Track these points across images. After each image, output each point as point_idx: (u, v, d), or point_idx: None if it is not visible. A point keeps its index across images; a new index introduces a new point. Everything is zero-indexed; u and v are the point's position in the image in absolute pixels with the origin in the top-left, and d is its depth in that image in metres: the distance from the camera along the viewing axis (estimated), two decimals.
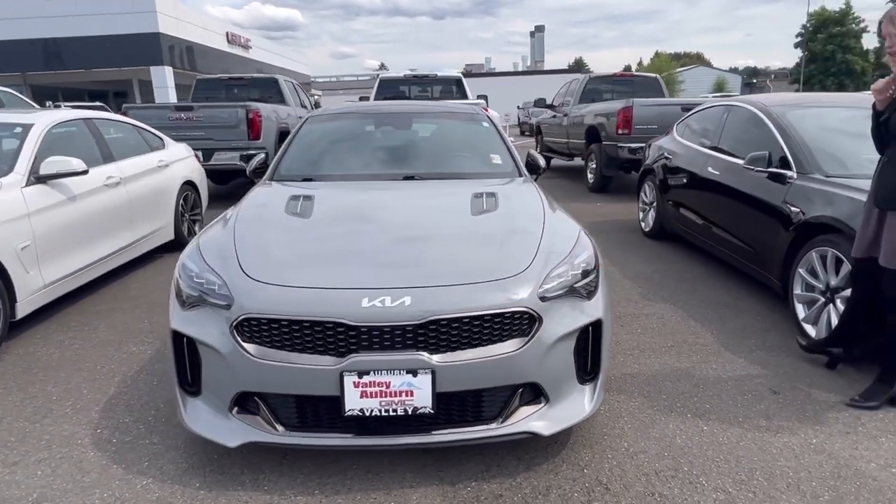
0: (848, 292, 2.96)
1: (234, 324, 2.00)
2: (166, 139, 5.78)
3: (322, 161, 3.50)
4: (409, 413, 1.98)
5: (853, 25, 39.96)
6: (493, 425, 2.07)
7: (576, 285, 2.18)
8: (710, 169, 4.67)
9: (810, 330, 3.28)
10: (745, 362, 3.11)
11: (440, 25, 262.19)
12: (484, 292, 2.03)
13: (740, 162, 4.16)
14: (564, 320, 2.11)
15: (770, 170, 3.79)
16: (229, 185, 9.20)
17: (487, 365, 1.98)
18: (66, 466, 2.26)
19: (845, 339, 2.96)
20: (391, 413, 1.97)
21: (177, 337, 2.14)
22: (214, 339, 2.03)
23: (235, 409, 2.09)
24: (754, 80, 54.83)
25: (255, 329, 2.00)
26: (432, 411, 1.98)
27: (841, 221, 3.06)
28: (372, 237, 2.38)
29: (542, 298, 2.07)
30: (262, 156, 3.58)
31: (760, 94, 5.47)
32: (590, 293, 2.23)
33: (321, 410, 2.03)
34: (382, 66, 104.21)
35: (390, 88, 9.79)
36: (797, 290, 3.41)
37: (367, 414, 1.97)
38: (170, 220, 5.39)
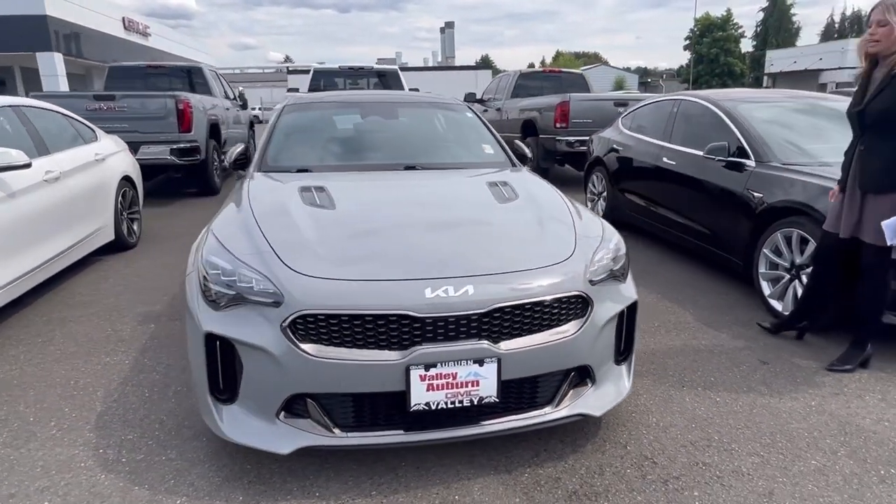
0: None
1: (287, 322, 1.87)
2: (98, 131, 5.27)
3: (313, 151, 3.34)
4: (475, 403, 1.95)
5: (733, 31, 43.85)
6: (548, 409, 2.09)
7: (614, 268, 2.24)
8: (665, 159, 4.95)
9: (777, 305, 3.59)
10: (728, 336, 3.35)
11: (346, 19, 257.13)
12: (541, 278, 2.04)
13: (698, 153, 4.45)
14: (609, 303, 2.18)
15: (730, 159, 4.09)
16: (155, 181, 8.52)
17: (548, 350, 2.00)
18: (78, 493, 2.02)
19: (810, 312, 3.27)
20: (457, 405, 1.94)
21: (211, 340, 1.97)
22: (262, 340, 1.88)
23: (282, 413, 1.96)
24: (648, 80, 58.63)
25: (310, 326, 1.88)
26: (497, 400, 1.97)
27: (807, 205, 3.37)
28: (411, 228, 2.31)
29: (591, 282, 2.12)
30: (242, 147, 3.35)
31: (704, 90, 5.87)
32: (623, 275, 2.31)
33: (382, 408, 1.95)
34: (288, 59, 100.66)
35: (325, 80, 9.50)
36: (762, 269, 3.72)
37: (433, 407, 1.92)
38: (109, 219, 4.92)
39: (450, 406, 1.93)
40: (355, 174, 3.00)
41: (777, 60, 51.71)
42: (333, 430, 1.94)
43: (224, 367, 2.00)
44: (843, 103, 4.68)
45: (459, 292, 1.91)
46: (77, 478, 2.10)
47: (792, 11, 58.39)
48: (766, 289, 3.69)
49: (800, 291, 3.41)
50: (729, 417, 2.49)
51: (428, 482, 2.06)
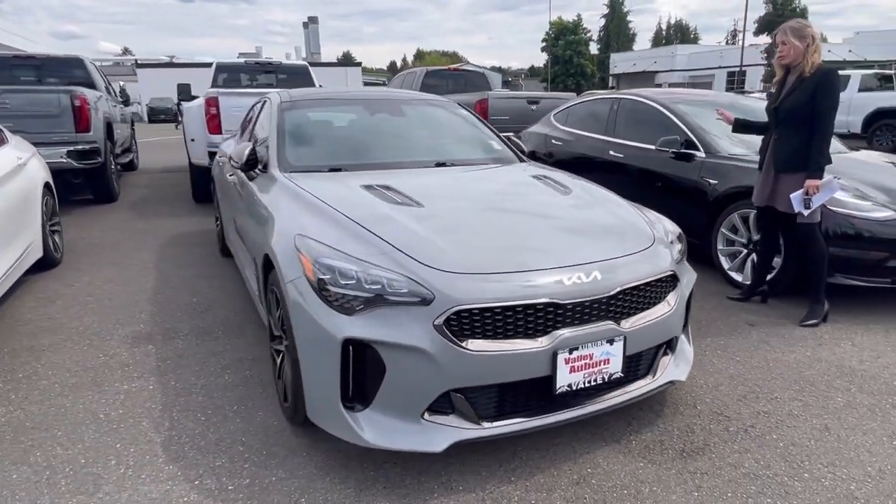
0: None
1: (442, 319, 1.86)
2: (6, 131, 4.52)
3: (337, 150, 3.21)
4: (606, 380, 2.10)
5: (583, 35, 47.84)
6: (648, 379, 2.30)
7: (682, 248, 2.51)
8: (611, 153, 5.42)
9: (737, 276, 4.16)
10: (711, 307, 3.82)
11: (188, 9, 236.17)
12: (645, 260, 2.23)
13: (649, 146, 4.94)
14: (685, 279, 2.44)
15: (682, 151, 4.62)
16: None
17: (657, 325, 2.20)
18: None
19: (765, 278, 3.86)
20: (593, 383, 2.07)
21: (350, 346, 1.90)
22: (414, 339, 1.86)
23: (426, 412, 1.95)
24: (510, 79, 61.93)
25: (464, 321, 1.90)
26: (622, 375, 2.13)
27: None
28: (510, 221, 2.37)
29: (676, 261, 2.36)
30: (251, 146, 3.13)
31: (641, 89, 6.45)
32: (684, 254, 2.58)
33: (525, 394, 2.02)
34: (127, 51, 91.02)
35: (229, 76, 8.85)
36: (720, 247, 4.27)
37: (574, 388, 2.04)
38: (38, 233, 4.27)
39: (586, 385, 2.06)
40: (392, 172, 2.97)
41: (619, 63, 57.33)
42: (481, 422, 1.97)
43: (358, 372, 1.94)
44: (756, 101, 5.50)
45: (590, 278, 2.04)
46: None
47: (628, 18, 65.05)
48: (726, 263, 4.26)
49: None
50: (756, 372, 2.89)
51: (553, 461, 2.17)
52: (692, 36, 77.13)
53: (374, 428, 1.94)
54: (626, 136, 5.39)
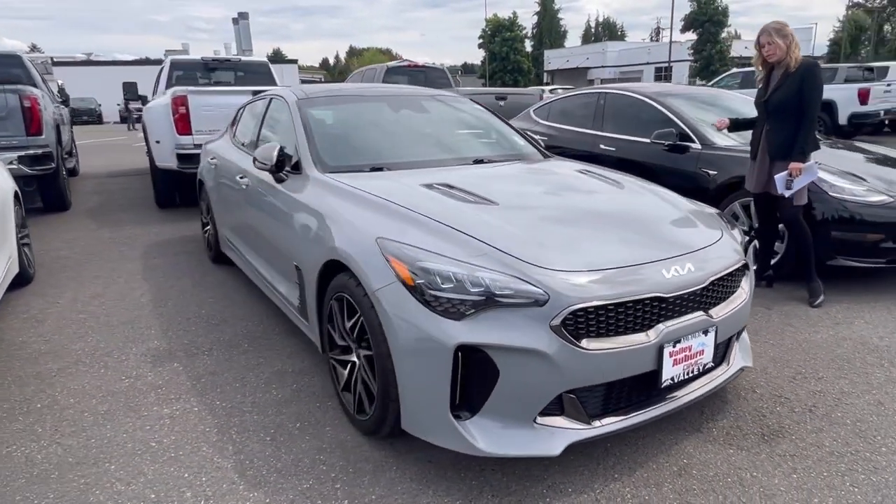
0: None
1: (559, 319, 1.81)
2: None
3: (372, 149, 3.07)
4: (700, 371, 2.12)
5: (519, 31, 48.65)
6: (724, 367, 2.34)
7: (735, 235, 2.57)
8: (602, 146, 5.52)
9: None
10: None
11: (102, 4, 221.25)
12: (724, 248, 2.27)
13: (642, 139, 5.06)
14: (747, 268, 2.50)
15: (678, 143, 4.76)
16: None
17: (739, 312, 2.25)
18: None
19: (769, 265, 4.06)
20: (690, 375, 2.08)
21: (464, 352, 1.81)
22: (531, 342, 1.80)
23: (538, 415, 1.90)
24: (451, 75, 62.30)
25: (579, 320, 1.85)
26: (713, 364, 2.16)
27: None
28: (585, 216, 2.33)
29: (744, 251, 2.42)
30: (278, 146, 2.93)
31: (629, 83, 6.58)
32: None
33: (630, 389, 2.00)
34: (35, 48, 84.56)
35: (185, 72, 8.36)
36: None
37: (676, 381, 2.04)
38: (14, 247, 3.87)
39: (685, 377, 2.07)
40: (437, 170, 2.87)
41: (553, 59, 58.79)
42: (592, 421, 1.94)
43: (467, 379, 1.86)
44: (736, 96, 5.75)
45: (685, 270, 2.05)
46: None
47: (559, 16, 66.67)
48: None
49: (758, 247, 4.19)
50: (793, 353, 3.01)
51: (647, 455, 2.17)
52: (619, 33, 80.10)
53: (486, 435, 1.87)
54: (615, 129, 5.50)
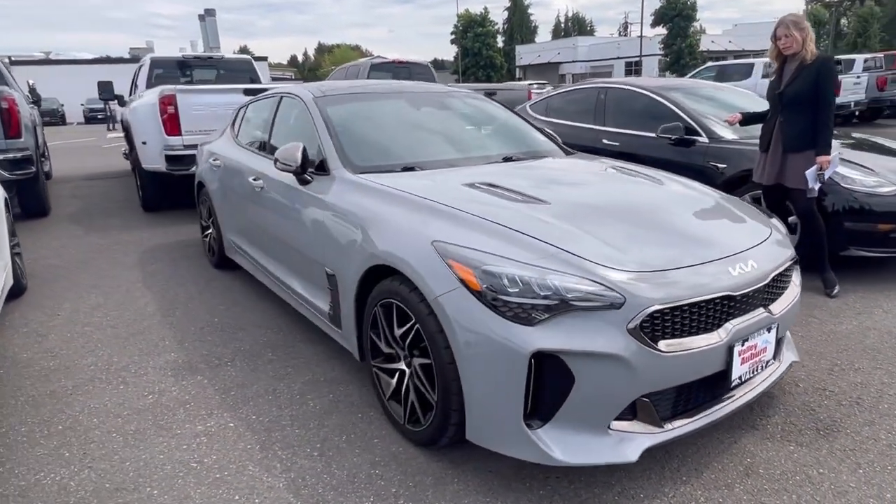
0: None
1: (636, 322, 1.75)
2: None
3: (400, 147, 2.96)
4: (763, 368, 2.09)
5: (491, 27, 48.65)
6: (777, 363, 2.32)
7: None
8: (605, 141, 5.50)
9: None
10: None
11: (61, 2, 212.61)
12: (777, 244, 2.25)
13: (648, 134, 5.06)
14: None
15: (685, 137, 4.77)
16: None
17: (793, 307, 2.23)
18: None
19: None
20: (755, 373, 2.06)
21: (537, 359, 1.74)
22: (608, 346, 1.74)
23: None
24: None
25: (655, 322, 1.80)
26: (773, 361, 2.13)
27: None
28: (642, 214, 2.28)
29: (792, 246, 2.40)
30: (302, 146, 2.80)
31: (628, 77, 6.57)
32: None
33: (699, 390, 1.96)
34: None
35: (165, 71, 8.06)
36: None
37: (742, 380, 2.01)
38: (7, 257, 3.65)
39: (749, 375, 2.04)
40: (470, 169, 2.79)
41: (525, 54, 59.06)
42: (663, 424, 1.89)
43: (540, 386, 1.79)
44: (735, 90, 5.80)
45: (749, 267, 2.01)
46: None
47: (529, 11, 66.99)
48: None
49: None
50: (824, 346, 3.03)
51: (710, 456, 2.13)
52: (589, 28, 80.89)
53: (561, 444, 1.80)
54: (618, 124, 5.49)
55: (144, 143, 6.26)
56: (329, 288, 2.66)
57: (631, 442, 1.84)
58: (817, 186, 3.62)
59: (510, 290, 1.79)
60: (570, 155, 3.37)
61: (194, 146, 5.97)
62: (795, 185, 3.71)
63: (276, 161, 2.84)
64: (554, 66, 54.56)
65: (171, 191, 6.72)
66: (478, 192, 2.37)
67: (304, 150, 2.79)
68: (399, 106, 3.36)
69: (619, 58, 49.22)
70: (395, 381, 2.27)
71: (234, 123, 4.42)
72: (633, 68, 45.80)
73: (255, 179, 3.41)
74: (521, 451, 1.84)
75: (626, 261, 1.88)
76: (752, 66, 15.25)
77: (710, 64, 17.62)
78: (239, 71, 8.74)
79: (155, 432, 2.36)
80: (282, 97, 3.59)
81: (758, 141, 4.41)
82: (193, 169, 6.00)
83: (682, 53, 39.54)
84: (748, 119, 4.15)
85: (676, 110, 4.97)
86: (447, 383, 1.94)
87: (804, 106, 3.63)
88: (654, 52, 43.47)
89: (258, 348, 3.12)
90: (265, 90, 4.91)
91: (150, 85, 7.70)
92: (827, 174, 3.61)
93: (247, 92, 6.21)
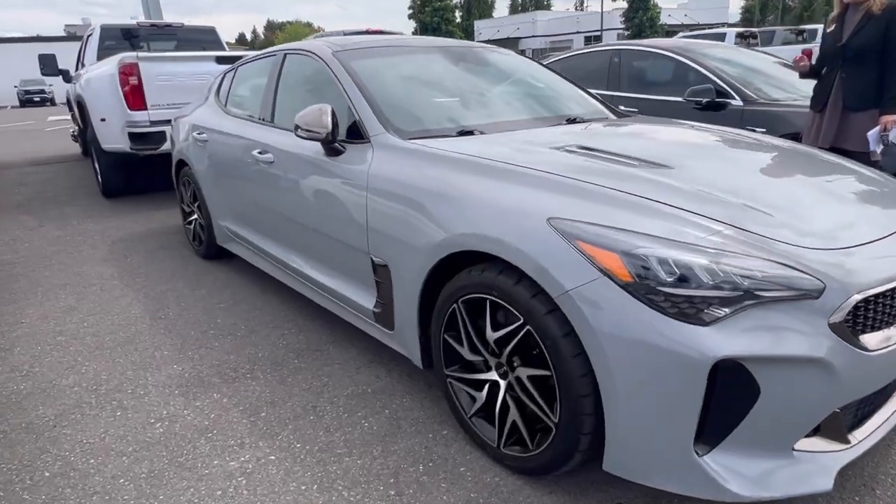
0: None
1: (842, 315, 1.35)
2: None
3: (449, 108, 2.46)
4: None
5: (449, 1, 47.64)
6: None
7: None
8: (622, 107, 5.09)
9: None
10: None
11: None
12: None
13: (673, 98, 4.68)
14: None
15: (716, 101, 4.41)
16: None
17: None
18: None
19: None
20: None
21: (723, 369, 1.32)
22: (808, 347, 1.33)
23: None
24: None
25: (858, 313, 1.40)
26: None
27: None
28: (778, 181, 1.87)
29: None
30: (330, 107, 2.28)
31: (644, 39, 6.17)
32: None
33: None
34: None
35: (117, 43, 7.19)
36: None
37: None
38: None
39: None
40: (537, 131, 2.32)
41: (484, 29, 58.28)
42: (848, 437, 1.51)
43: (713, 402, 1.38)
44: (746, 52, 5.49)
45: None
46: None
47: None
48: None
49: None
50: None
51: (874, 465, 1.79)
52: (546, 3, 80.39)
53: (735, 475, 1.40)
54: (636, 88, 5.11)
55: (103, 119, 5.51)
56: (378, 281, 2.17)
57: (820, 464, 1.45)
58: (880, 149, 3.33)
59: (672, 279, 1.36)
60: (625, 117, 2.94)
61: (161, 122, 5.30)
62: (856, 147, 3.37)
63: (296, 128, 2.30)
64: (514, 42, 54.00)
65: (135, 173, 6.00)
66: (577, 157, 1.90)
67: (334, 112, 2.27)
68: (433, 61, 2.84)
69: (578, 32, 49.11)
70: (484, 394, 1.83)
71: (218, 91, 3.80)
72: (592, 43, 45.73)
73: (260, 153, 2.85)
74: (687, 485, 1.43)
75: (809, 236, 1.48)
76: (724, 35, 15.22)
77: (681, 35, 17.49)
78: (201, 42, 7.93)
79: (175, 473, 1.85)
80: (286, 55, 3.02)
81: (798, 103, 4.12)
82: (162, 147, 5.38)
83: (643, 27, 39.60)
84: (804, 74, 3.78)
85: (705, 72, 4.61)
86: (576, 401, 1.51)
87: (870, 60, 3.29)
88: (614, 27, 43.46)
89: (280, 354, 2.61)
90: (239, 58, 4.30)
91: (100, 57, 6.86)
92: (892, 136, 3.31)
93: (219, 60, 5.55)
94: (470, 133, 2.27)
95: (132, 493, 1.77)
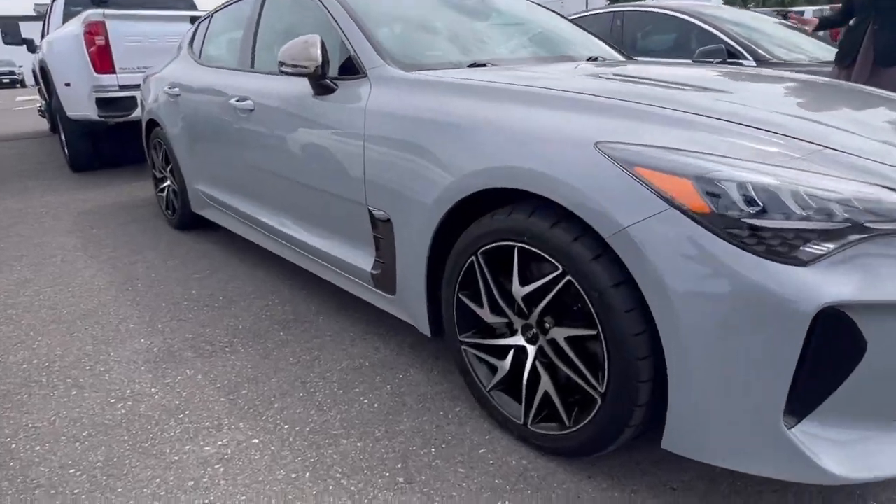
0: None
1: None
2: None
3: (459, 42, 2.15)
4: None
5: None
6: None
7: None
8: None
9: None
10: None
11: None
12: None
13: (677, 60, 4.42)
14: None
15: (728, 60, 4.15)
16: None
17: None
18: None
19: None
20: None
21: (823, 319, 1.06)
22: None
23: None
24: None
25: None
26: None
27: None
28: (838, 109, 1.60)
29: None
30: (319, 38, 1.96)
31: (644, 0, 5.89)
32: None
33: None
34: None
35: (84, 8, 6.70)
36: None
37: None
38: None
39: None
40: (561, 65, 2.02)
41: None
42: None
43: (807, 362, 1.11)
44: (748, 13, 5.24)
45: None
46: None
47: None
48: None
49: None
50: None
51: None
52: None
53: (830, 452, 1.14)
54: (641, 51, 4.82)
55: (68, 84, 5.09)
56: (377, 237, 1.87)
57: None
58: None
59: (757, 209, 1.08)
60: (634, 60, 2.65)
61: (131, 86, 4.91)
62: None
63: (280, 66, 1.98)
64: None
65: (105, 144, 5.60)
66: (618, 82, 1.61)
67: (323, 44, 1.95)
68: None
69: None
70: (507, 363, 1.54)
71: (192, 43, 3.44)
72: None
73: (239, 100, 2.52)
74: (771, 465, 1.16)
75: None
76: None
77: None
78: (174, 4, 7.46)
79: (138, 461, 1.54)
80: None
81: (817, 62, 3.89)
82: (133, 115, 4.98)
83: None
84: (823, 23, 3.57)
85: (715, 31, 4.34)
86: (629, 365, 1.23)
87: None
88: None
89: (263, 326, 2.30)
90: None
91: (66, 20, 6.38)
92: None
93: (195, 21, 5.15)
94: (482, 66, 1.96)
95: (84, 485, 1.46)
